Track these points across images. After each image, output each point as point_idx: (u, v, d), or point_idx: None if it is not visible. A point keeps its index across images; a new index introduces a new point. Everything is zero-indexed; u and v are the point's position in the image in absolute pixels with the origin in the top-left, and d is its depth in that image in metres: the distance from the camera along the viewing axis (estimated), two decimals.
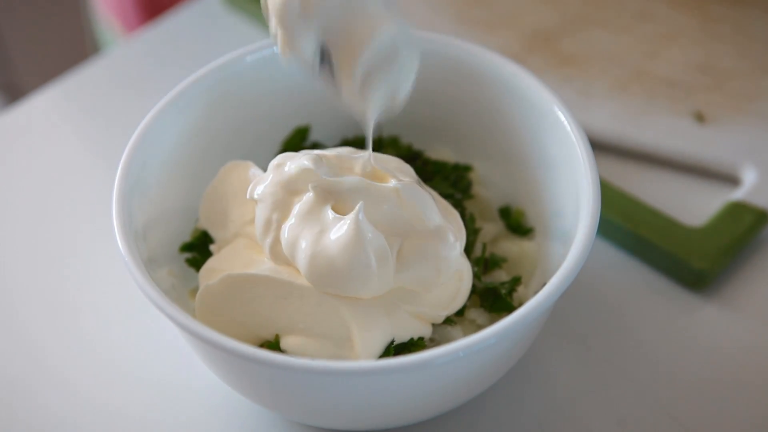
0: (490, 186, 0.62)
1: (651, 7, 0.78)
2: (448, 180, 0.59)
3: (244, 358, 0.46)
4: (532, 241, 0.59)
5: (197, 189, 0.58)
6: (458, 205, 0.58)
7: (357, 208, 0.49)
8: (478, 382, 0.51)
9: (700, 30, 0.76)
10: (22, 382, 0.59)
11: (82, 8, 1.32)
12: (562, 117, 0.55)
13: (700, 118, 0.69)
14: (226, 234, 0.55)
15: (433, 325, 0.53)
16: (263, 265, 0.52)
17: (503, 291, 0.54)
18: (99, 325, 0.61)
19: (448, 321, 0.53)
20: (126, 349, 0.60)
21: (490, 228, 0.59)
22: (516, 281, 0.55)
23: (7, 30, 1.41)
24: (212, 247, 0.56)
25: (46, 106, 0.75)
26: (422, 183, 0.55)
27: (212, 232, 0.56)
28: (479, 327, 0.54)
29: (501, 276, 0.57)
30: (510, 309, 0.54)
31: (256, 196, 0.53)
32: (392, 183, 0.51)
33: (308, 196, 0.51)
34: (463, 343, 0.46)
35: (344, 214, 0.50)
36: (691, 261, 0.61)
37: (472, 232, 0.56)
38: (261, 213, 0.52)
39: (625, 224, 0.63)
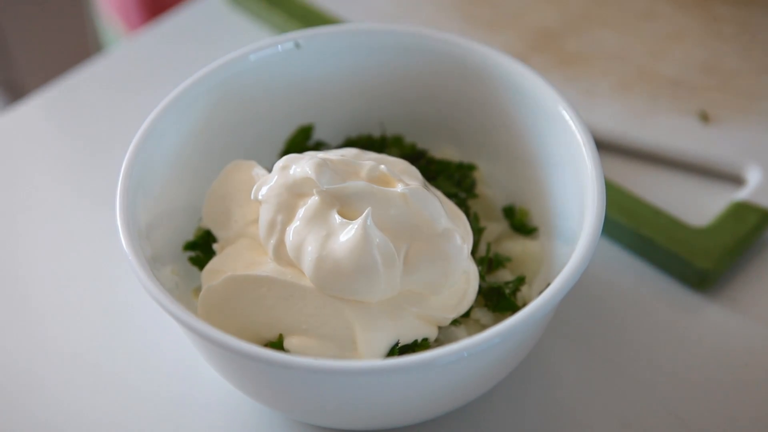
0: (494, 185, 0.62)
1: (655, 7, 0.78)
2: (452, 179, 0.59)
3: (249, 357, 0.46)
4: (536, 241, 0.59)
5: (200, 187, 0.58)
6: (462, 205, 0.58)
7: (365, 213, 0.49)
8: (482, 381, 0.51)
9: (704, 30, 0.76)
10: (22, 381, 0.58)
11: (84, 7, 1.32)
12: (567, 116, 0.55)
13: (704, 117, 0.69)
14: (229, 233, 0.55)
15: (439, 326, 0.53)
16: (266, 266, 0.52)
17: (507, 291, 0.54)
18: (100, 327, 0.61)
19: (453, 321, 0.53)
20: (127, 350, 0.59)
21: (494, 227, 0.59)
22: (520, 281, 0.55)
23: (9, 28, 1.41)
24: (215, 246, 0.56)
25: (48, 105, 0.75)
26: (428, 185, 0.55)
27: (215, 232, 0.56)
28: (483, 327, 0.54)
29: (505, 275, 0.57)
30: (514, 309, 0.54)
31: (260, 197, 0.53)
32: (399, 188, 0.51)
33: (314, 200, 0.51)
34: (467, 343, 0.46)
35: (351, 219, 0.50)
36: (695, 261, 0.61)
37: (476, 232, 0.56)
38: (265, 214, 0.52)
39: (629, 224, 0.63)
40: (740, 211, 0.63)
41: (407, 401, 0.50)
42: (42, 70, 1.35)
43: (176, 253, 0.57)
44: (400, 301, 0.51)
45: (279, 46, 0.60)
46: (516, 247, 0.58)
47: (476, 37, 0.74)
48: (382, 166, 0.52)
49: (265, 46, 0.60)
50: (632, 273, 0.62)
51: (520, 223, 0.60)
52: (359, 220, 0.49)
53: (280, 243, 0.51)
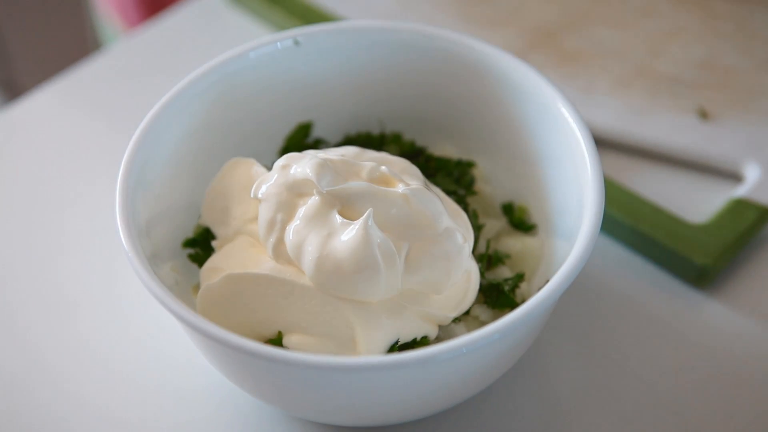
0: (493, 182, 0.62)
1: (654, 4, 0.78)
2: (451, 176, 0.59)
3: (249, 354, 0.46)
4: (535, 238, 0.59)
5: (200, 185, 0.58)
6: (461, 202, 0.58)
7: (367, 213, 0.49)
8: (481, 378, 0.51)
9: (703, 27, 0.76)
10: (21, 381, 0.58)
11: (82, 4, 1.31)
12: (566, 113, 0.55)
13: (703, 114, 0.69)
14: (228, 231, 0.55)
15: (439, 325, 0.53)
16: (265, 264, 0.52)
17: (506, 287, 0.54)
18: (99, 324, 0.61)
19: None
20: (126, 347, 0.60)
21: (493, 224, 0.59)
22: (519, 278, 0.55)
23: (7, 26, 1.41)
24: (214, 244, 0.56)
25: (46, 103, 0.75)
26: (429, 184, 0.55)
27: (214, 229, 0.56)
28: (482, 323, 0.54)
29: (504, 272, 0.57)
30: (513, 305, 0.54)
31: (260, 196, 0.53)
32: (400, 188, 0.51)
33: (314, 200, 0.51)
34: (466, 340, 0.46)
35: (351, 219, 0.50)
36: (694, 258, 0.61)
37: (475, 229, 0.56)
38: (264, 212, 0.52)
39: (627, 221, 0.63)
40: (739, 207, 0.63)
41: (406, 398, 0.50)
42: (40, 67, 1.35)
43: (176, 250, 0.57)
44: (401, 300, 0.51)
45: (278, 43, 0.60)
46: (515, 244, 0.58)
47: (475, 34, 0.74)
48: (383, 167, 0.52)
49: (264, 44, 0.60)
50: (631, 270, 0.62)
51: (519, 220, 0.60)
52: (360, 221, 0.49)
53: (280, 242, 0.52)
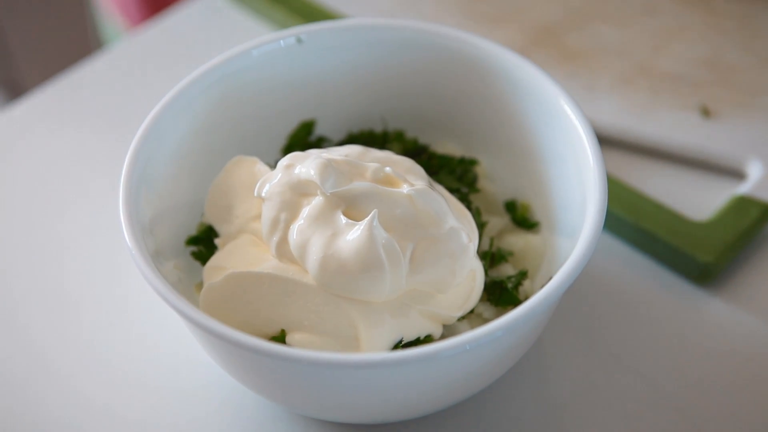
0: (495, 180, 0.62)
1: (656, 2, 0.78)
2: (453, 174, 0.59)
3: (252, 351, 0.46)
4: (537, 235, 0.59)
5: (203, 183, 0.58)
6: (464, 199, 0.58)
7: (372, 214, 0.49)
8: (484, 375, 0.51)
9: (705, 24, 0.76)
10: (23, 379, 0.58)
11: (85, 3, 1.32)
12: (569, 111, 0.55)
13: (705, 112, 0.69)
14: (231, 229, 0.55)
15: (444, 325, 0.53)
16: (267, 263, 0.52)
17: (509, 285, 0.54)
18: (102, 321, 0.61)
19: None
20: (129, 345, 0.60)
21: (496, 222, 0.59)
22: (522, 275, 0.55)
23: (9, 26, 1.41)
24: (217, 241, 0.56)
25: (49, 103, 0.75)
26: (434, 183, 0.55)
27: (217, 227, 0.56)
28: (486, 321, 0.54)
29: (507, 270, 0.57)
30: (516, 303, 0.54)
31: (263, 195, 0.53)
32: (405, 189, 0.51)
33: (318, 200, 0.51)
34: (469, 336, 0.46)
35: (356, 219, 0.50)
36: (697, 255, 0.61)
37: (478, 227, 0.56)
38: (268, 211, 0.52)
39: (630, 218, 0.63)
40: (741, 205, 0.63)
41: (409, 395, 0.50)
42: (42, 67, 1.35)
43: (179, 248, 0.57)
44: (405, 299, 0.51)
45: (281, 41, 0.60)
46: (518, 241, 0.58)
47: (477, 32, 0.74)
48: (387, 168, 0.52)
49: (267, 42, 0.60)
50: (634, 267, 0.62)
51: (522, 218, 0.60)
52: (365, 221, 0.49)
53: (283, 241, 0.52)
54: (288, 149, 0.62)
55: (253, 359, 0.48)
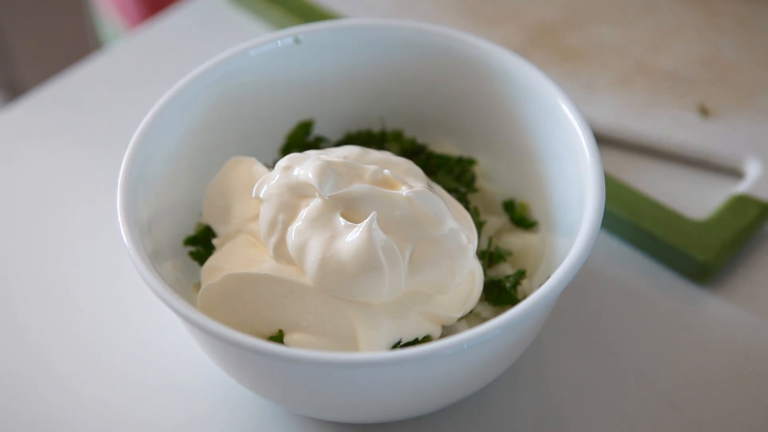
0: (494, 179, 0.62)
1: (654, 1, 0.78)
2: (452, 173, 0.59)
3: (250, 351, 0.46)
4: (536, 235, 0.59)
5: (201, 183, 0.58)
6: (462, 199, 0.58)
7: (370, 217, 0.49)
8: (482, 374, 0.51)
9: (703, 24, 0.76)
10: (22, 379, 0.59)
11: (83, 4, 1.32)
12: (567, 110, 0.55)
13: (703, 111, 0.69)
14: (229, 229, 0.55)
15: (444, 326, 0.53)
16: (265, 264, 0.52)
17: (508, 284, 0.55)
18: (100, 321, 0.61)
19: None
20: (127, 345, 0.60)
21: (495, 221, 0.59)
22: (521, 274, 0.55)
23: (8, 26, 1.41)
24: (215, 242, 0.56)
25: (48, 103, 0.75)
26: (432, 184, 0.55)
27: (215, 227, 0.56)
28: (484, 320, 0.54)
29: (505, 269, 0.57)
30: (514, 302, 0.54)
31: (262, 196, 0.53)
32: (404, 191, 0.51)
33: (317, 202, 0.51)
34: (467, 336, 0.46)
35: (354, 221, 0.50)
36: (695, 254, 0.61)
37: (476, 226, 0.56)
38: (266, 212, 0.52)
39: (628, 217, 0.63)
40: (740, 204, 0.63)
41: (407, 394, 0.50)
42: (41, 67, 1.35)
43: (177, 248, 0.57)
44: (405, 300, 0.51)
45: (279, 41, 0.60)
46: (516, 240, 0.58)
47: (475, 31, 0.74)
48: (386, 170, 0.52)
49: (265, 42, 0.60)
50: (632, 266, 0.63)
51: (520, 217, 0.60)
52: (364, 223, 0.49)
53: (281, 242, 0.52)
54: (286, 149, 0.62)
55: (252, 359, 0.48)
